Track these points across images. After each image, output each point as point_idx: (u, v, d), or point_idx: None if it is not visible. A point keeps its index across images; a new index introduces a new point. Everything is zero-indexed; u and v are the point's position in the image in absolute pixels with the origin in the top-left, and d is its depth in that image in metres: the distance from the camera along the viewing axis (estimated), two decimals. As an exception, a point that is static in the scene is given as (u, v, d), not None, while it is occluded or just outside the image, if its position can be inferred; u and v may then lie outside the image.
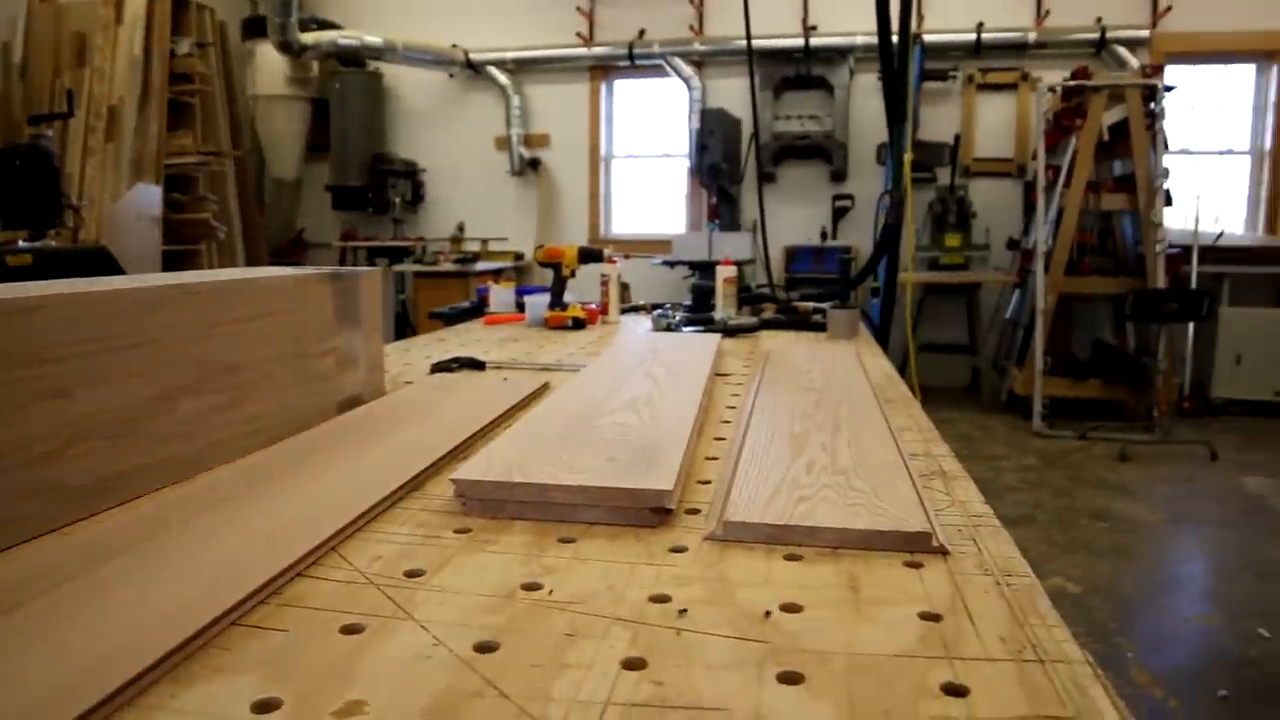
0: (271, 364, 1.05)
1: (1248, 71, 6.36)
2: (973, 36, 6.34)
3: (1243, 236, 6.24)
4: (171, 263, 5.25)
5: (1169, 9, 6.17)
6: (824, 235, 6.67)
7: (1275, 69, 6.20)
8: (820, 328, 2.36)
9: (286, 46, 6.42)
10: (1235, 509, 3.88)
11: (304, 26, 6.52)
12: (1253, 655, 2.49)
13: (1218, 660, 2.47)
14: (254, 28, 6.79)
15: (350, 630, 0.57)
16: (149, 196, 5.00)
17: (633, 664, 0.53)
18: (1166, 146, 5.38)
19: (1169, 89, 5.36)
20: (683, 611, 0.59)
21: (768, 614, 0.60)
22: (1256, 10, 6.04)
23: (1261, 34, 6.08)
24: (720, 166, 6.15)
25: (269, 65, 6.80)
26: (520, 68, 7.08)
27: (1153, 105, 5.28)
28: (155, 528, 0.73)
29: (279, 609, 0.61)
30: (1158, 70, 5.51)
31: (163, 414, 0.88)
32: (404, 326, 6.59)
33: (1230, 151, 6.47)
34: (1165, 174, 5.30)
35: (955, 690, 0.50)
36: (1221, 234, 5.82)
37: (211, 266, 5.56)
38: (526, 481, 0.80)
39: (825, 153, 6.60)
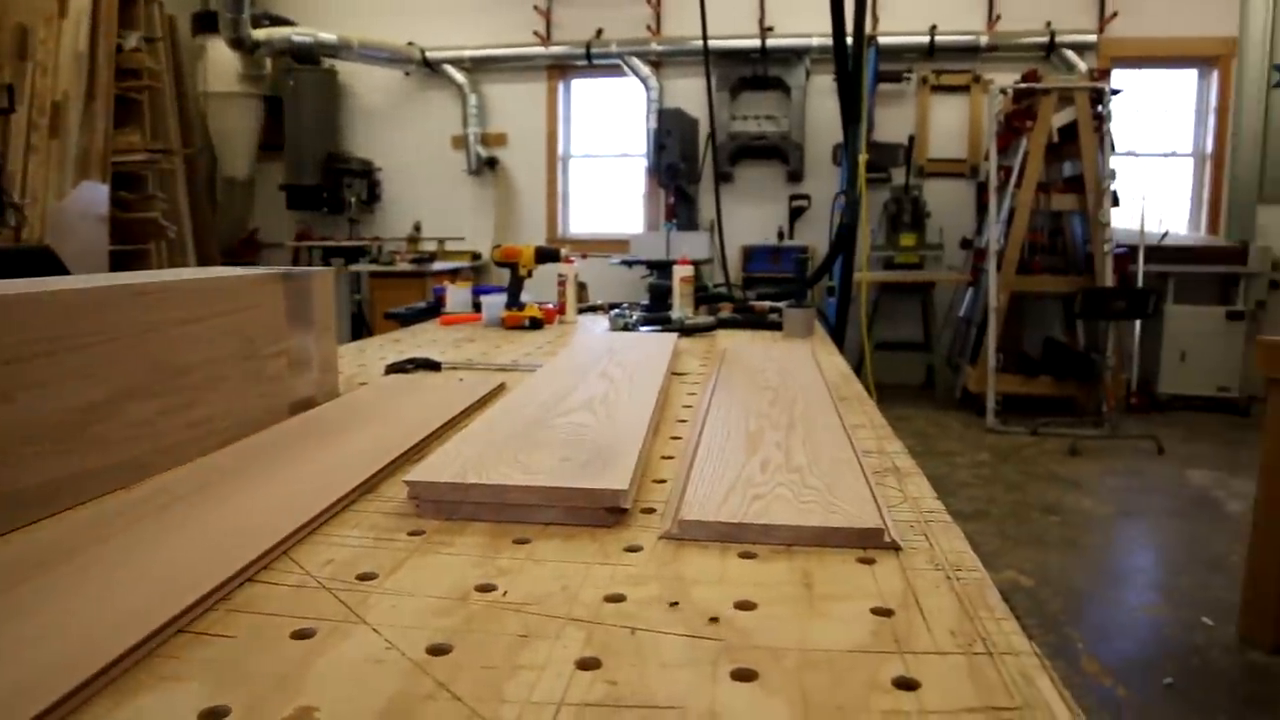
0: (222, 365, 1.03)
1: (1190, 77, 6.53)
2: (926, 39, 6.44)
3: (1186, 236, 6.41)
4: (120, 263, 5.14)
5: (1115, 15, 6.31)
6: (781, 235, 6.73)
7: (1215, 74, 6.37)
8: (777, 327, 2.38)
9: (239, 43, 6.32)
10: (1181, 501, 3.98)
11: (256, 22, 6.42)
12: (1197, 643, 2.55)
13: (1164, 649, 2.53)
14: (205, 23, 6.67)
15: (301, 635, 0.56)
16: (95, 195, 4.88)
17: (587, 664, 0.53)
18: (1113, 148, 5.50)
19: (1115, 92, 5.48)
20: (634, 630, 0.59)
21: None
22: (1197, 18, 6.21)
23: (1202, 40, 6.25)
24: (678, 166, 6.17)
25: (220, 61, 6.69)
26: (477, 66, 7.04)
27: (1100, 108, 5.40)
28: (99, 534, 0.71)
29: (228, 615, 0.60)
30: (1105, 74, 5.64)
31: (109, 417, 0.86)
32: (360, 327, 6.52)
33: (1174, 154, 6.64)
34: (1112, 175, 5.42)
35: (906, 684, 0.51)
36: (1166, 234, 5.96)
37: (161, 266, 5.45)
38: (481, 482, 0.80)
39: (782, 153, 6.65)
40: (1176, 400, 5.92)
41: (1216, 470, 4.46)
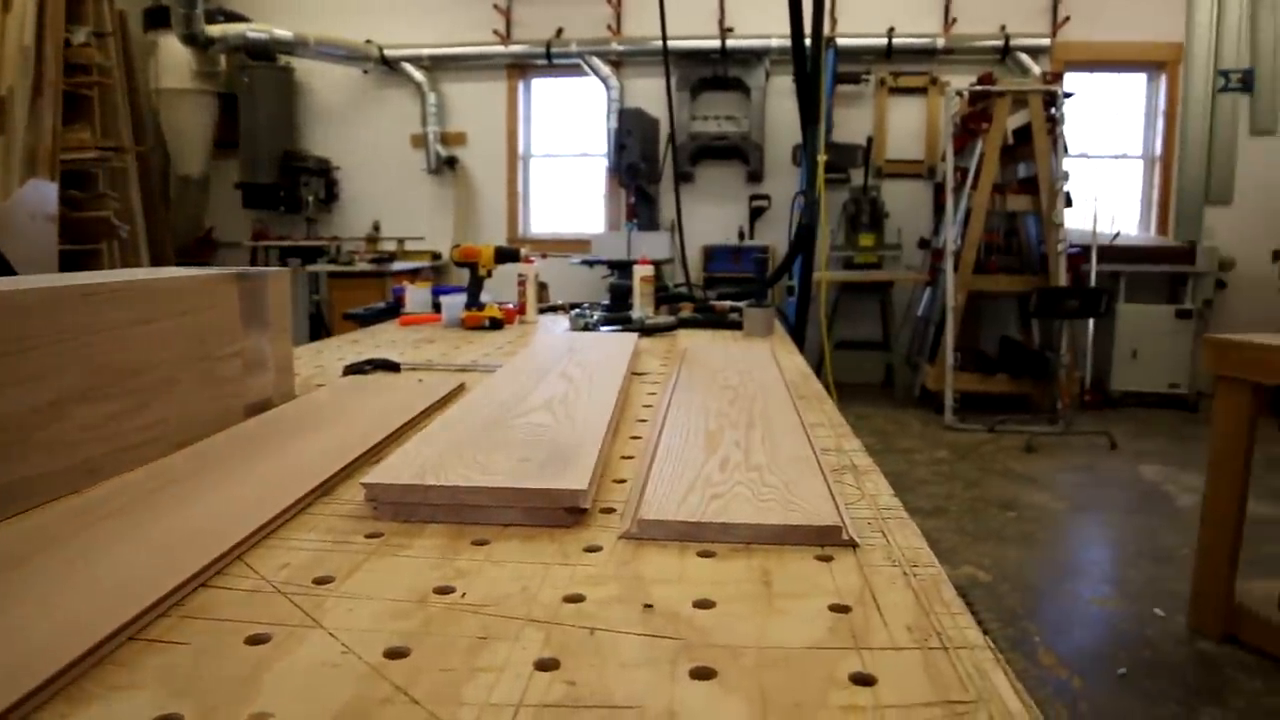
0: (174, 368, 1.01)
1: (1140, 80, 6.67)
2: (884, 41, 6.51)
3: (1137, 237, 6.55)
4: (70, 263, 5.02)
5: (1068, 19, 6.43)
6: (741, 235, 6.76)
7: (1164, 78, 6.51)
8: (737, 326, 2.39)
9: (192, 39, 6.21)
10: (1133, 495, 4.07)
11: (210, 18, 6.32)
12: (1149, 634, 2.61)
13: (1117, 640, 2.58)
14: (156, 18, 6.54)
15: (256, 641, 0.56)
16: (43, 193, 4.77)
17: (545, 665, 0.52)
18: (1066, 150, 5.60)
19: (1068, 95, 5.58)
20: (593, 631, 0.59)
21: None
22: (1147, 24, 6.34)
23: (1151, 45, 6.39)
24: (638, 166, 6.18)
25: (173, 57, 6.57)
26: (436, 65, 6.98)
27: (1053, 110, 5.50)
28: (48, 540, 0.70)
29: (181, 621, 0.59)
30: (1058, 77, 5.74)
31: (58, 421, 0.84)
32: (318, 328, 6.44)
33: (1125, 156, 6.78)
34: (1065, 177, 5.52)
35: (863, 680, 0.52)
36: (1118, 234, 6.09)
37: (113, 267, 5.34)
38: (440, 484, 0.80)
39: (742, 153, 6.69)
40: (1129, 397, 6.05)
41: (1167, 465, 4.56)
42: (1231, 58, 6.27)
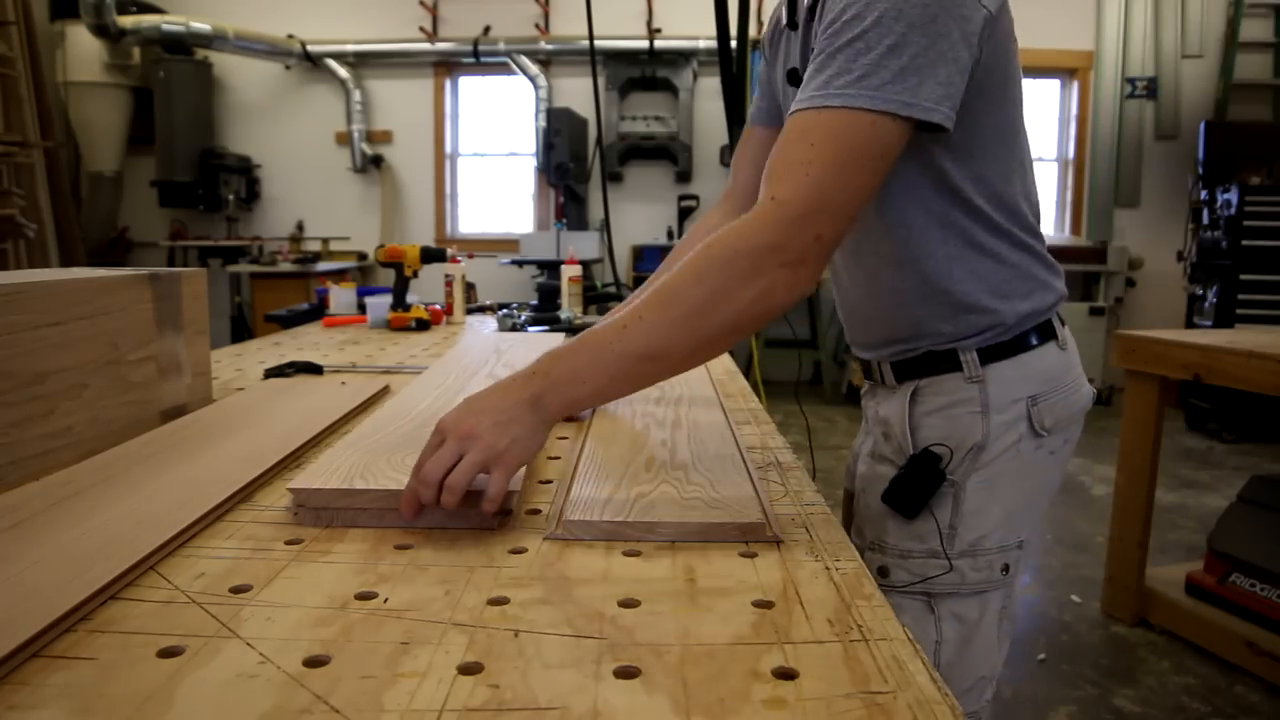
0: (83, 372, 0.98)
1: (1053, 86, 6.90)
2: (809, 44, 6.60)
3: (1053, 237, 6.77)
4: (-29, 264, 4.80)
5: (985, 24, 6.60)
6: (670, 234, 6.79)
7: (1075, 85, 6.75)
8: (667, 326, 2.40)
9: (102, 30, 5.97)
10: (1049, 488, 4.20)
11: (122, 8, 6.09)
12: (1066, 620, 2.71)
13: (1037, 626, 2.67)
14: (63, 7, 6.27)
15: (168, 653, 0.54)
16: (-58, 191, 4.55)
17: (469, 669, 0.52)
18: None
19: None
20: (517, 633, 0.59)
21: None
22: (1060, 32, 6.55)
23: (1063, 53, 6.61)
24: (567, 166, 6.16)
25: (82, 49, 6.31)
26: (361, 61, 6.85)
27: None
28: (-56, 554, 0.67)
29: (88, 636, 0.57)
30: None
31: (-47, 430, 0.80)
32: (240, 330, 6.27)
33: (1040, 159, 7.00)
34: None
35: (786, 674, 0.53)
36: (1034, 234, 6.28)
37: (21, 268, 5.12)
38: (368, 488, 0.78)
39: (670, 153, 6.72)
40: (1045, 392, 6.25)
41: (1082, 457, 4.72)
42: (1137, 66, 6.54)
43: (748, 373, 1.73)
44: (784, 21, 1.09)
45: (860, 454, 1.20)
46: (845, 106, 0.82)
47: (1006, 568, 1.06)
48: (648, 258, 6.59)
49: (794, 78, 1.05)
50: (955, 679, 1.06)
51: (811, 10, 0.97)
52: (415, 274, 2.38)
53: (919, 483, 1.03)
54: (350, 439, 0.96)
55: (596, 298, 2.73)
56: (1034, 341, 1.05)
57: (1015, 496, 1.05)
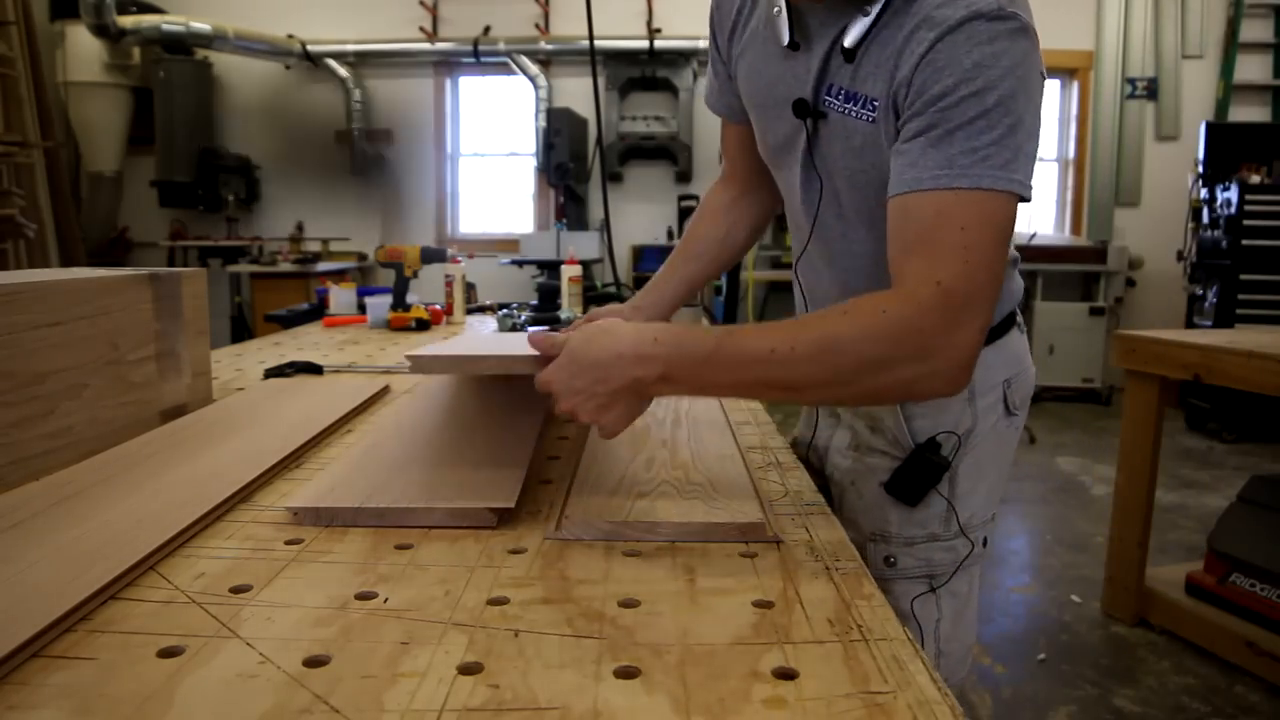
0: (83, 373, 0.98)
1: (1053, 86, 6.90)
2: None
3: (1053, 237, 6.77)
4: (-29, 264, 4.80)
5: (985, 24, 6.60)
6: (670, 234, 6.79)
7: (1076, 85, 6.75)
8: (667, 326, 2.39)
9: (103, 30, 5.97)
10: (1051, 487, 4.20)
11: (122, 8, 6.08)
12: (1066, 620, 2.71)
13: (1037, 626, 2.67)
14: (63, 7, 6.27)
15: (169, 653, 0.54)
16: (-58, 191, 4.55)
17: (469, 668, 0.52)
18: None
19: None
20: (517, 633, 0.59)
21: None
22: (1061, 32, 6.55)
23: (1063, 53, 6.61)
24: (567, 166, 6.16)
25: (83, 49, 6.31)
26: (361, 61, 6.85)
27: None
28: (-56, 554, 0.67)
29: (88, 636, 0.57)
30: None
31: (-47, 430, 0.80)
32: (241, 330, 6.26)
33: (1041, 159, 6.99)
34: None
35: (785, 674, 0.53)
36: (1034, 235, 6.30)
37: (20, 268, 5.11)
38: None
39: (670, 153, 6.71)
40: (1046, 391, 6.24)
41: (1082, 457, 4.73)
42: (1137, 66, 6.53)
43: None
44: (785, 43, 1.00)
45: (833, 447, 1.19)
46: (977, 188, 0.81)
47: (985, 540, 1.13)
48: (648, 258, 6.59)
49: (801, 109, 0.98)
50: (951, 651, 1.12)
51: (850, 55, 0.92)
52: (415, 274, 2.38)
53: (924, 472, 1.07)
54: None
55: (596, 298, 2.73)
56: (1006, 327, 1.11)
57: (993, 473, 1.12)
